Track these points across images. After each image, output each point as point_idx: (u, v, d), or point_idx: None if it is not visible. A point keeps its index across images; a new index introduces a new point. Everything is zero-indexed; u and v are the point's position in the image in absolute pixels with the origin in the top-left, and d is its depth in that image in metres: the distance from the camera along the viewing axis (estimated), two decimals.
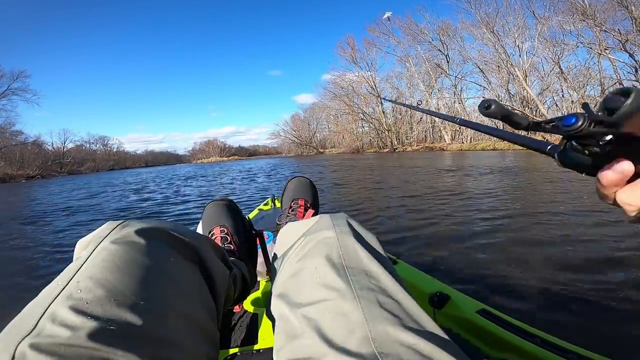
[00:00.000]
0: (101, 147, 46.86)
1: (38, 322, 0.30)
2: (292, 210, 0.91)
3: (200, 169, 19.58)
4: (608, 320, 1.14)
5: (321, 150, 36.31)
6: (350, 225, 0.47)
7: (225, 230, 0.77)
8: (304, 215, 0.87)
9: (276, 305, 0.42)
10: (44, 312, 0.31)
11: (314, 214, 0.88)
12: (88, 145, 44.38)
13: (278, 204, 2.09)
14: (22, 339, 0.28)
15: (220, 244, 0.73)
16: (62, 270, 0.35)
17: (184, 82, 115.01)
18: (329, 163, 13.63)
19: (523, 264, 1.69)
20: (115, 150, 49.62)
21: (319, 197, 1.09)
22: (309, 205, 0.94)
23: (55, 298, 0.32)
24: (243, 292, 0.68)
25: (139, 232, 0.40)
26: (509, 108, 0.25)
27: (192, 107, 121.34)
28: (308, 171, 9.91)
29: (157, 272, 0.38)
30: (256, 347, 0.72)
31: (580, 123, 0.21)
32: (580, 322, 1.14)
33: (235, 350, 0.71)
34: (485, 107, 0.24)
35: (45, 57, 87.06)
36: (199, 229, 0.82)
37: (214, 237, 0.76)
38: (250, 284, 0.72)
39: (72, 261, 0.38)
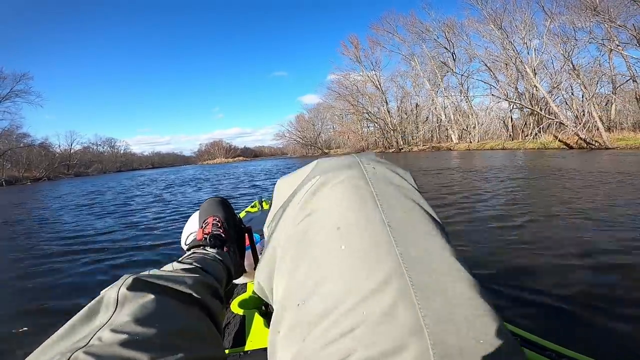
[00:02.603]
0: (108, 148, 47.53)
1: None
2: None
3: (202, 171, 19.41)
4: (595, 321, 1.10)
5: (326, 151, 36.06)
6: (383, 163, 0.34)
7: (218, 219, 0.83)
8: None
9: (282, 260, 0.33)
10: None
11: None
12: (95, 147, 44.91)
13: (266, 206, 2.11)
14: None
15: (212, 229, 0.79)
16: None
17: (190, 83, 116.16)
18: None
19: (521, 265, 1.60)
20: (122, 152, 50.21)
21: None
22: None
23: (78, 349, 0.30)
24: (228, 282, 0.71)
25: (150, 287, 0.43)
26: None
27: (198, 108, 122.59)
28: None
29: (173, 320, 0.41)
30: (245, 348, 0.73)
31: None
32: (570, 325, 1.11)
33: (224, 352, 0.71)
34: None
35: (53, 60, 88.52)
36: (194, 219, 0.89)
37: (207, 225, 0.81)
38: (234, 273, 0.76)
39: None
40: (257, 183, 7.98)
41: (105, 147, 46.71)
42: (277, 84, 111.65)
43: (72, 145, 39.22)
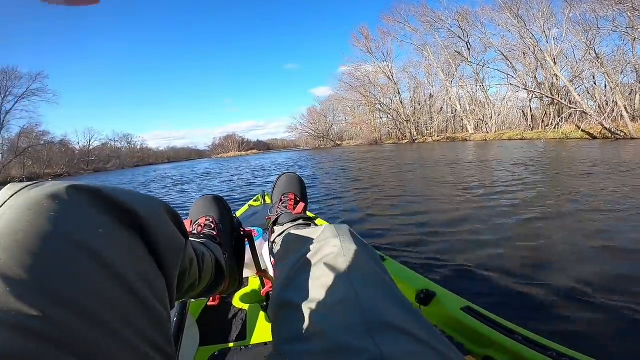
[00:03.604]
0: (126, 144, 48.14)
1: None
2: (282, 203, 0.89)
3: (215, 165, 19.53)
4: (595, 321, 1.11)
5: (338, 143, 35.91)
6: (352, 236, 0.52)
7: (211, 219, 0.75)
8: (294, 208, 0.87)
9: (287, 304, 0.46)
10: None
11: (304, 207, 0.88)
12: (113, 143, 45.65)
13: (268, 200, 2.13)
14: None
15: (204, 230, 0.72)
16: None
17: (204, 78, 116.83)
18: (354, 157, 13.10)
19: (522, 265, 1.56)
20: (139, 147, 50.94)
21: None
22: (298, 199, 0.92)
23: None
24: (217, 279, 0.62)
25: (54, 196, 0.29)
26: None
27: (212, 103, 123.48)
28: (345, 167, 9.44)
29: (75, 245, 0.27)
30: (247, 342, 0.74)
31: None
32: (570, 325, 1.10)
33: (226, 345, 0.73)
34: None
35: (70, 59, 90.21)
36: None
37: (197, 226, 0.74)
38: (226, 272, 0.68)
39: None
40: (274, 179, 7.84)
41: (122, 143, 47.37)
42: (288, 76, 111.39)
43: (91, 142, 40.18)
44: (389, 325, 0.35)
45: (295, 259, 0.52)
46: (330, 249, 0.49)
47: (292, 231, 0.63)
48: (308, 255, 0.50)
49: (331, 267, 0.45)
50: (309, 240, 0.54)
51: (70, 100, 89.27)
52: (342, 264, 0.46)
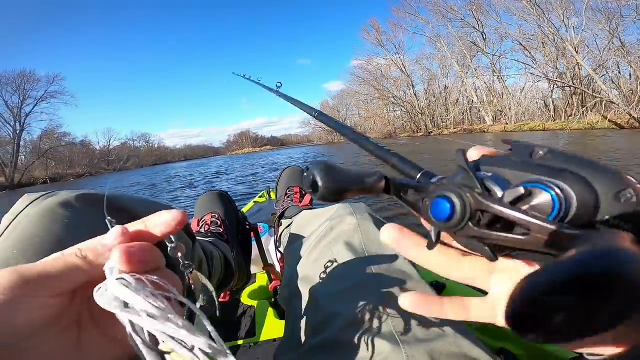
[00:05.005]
0: (144, 143, 49.00)
1: None
2: (287, 197, 0.87)
3: (230, 162, 19.64)
4: None
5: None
6: (370, 214, 0.49)
7: (217, 215, 0.75)
8: (300, 201, 0.84)
9: (300, 289, 0.43)
10: None
11: (311, 199, 0.84)
12: (132, 143, 46.56)
13: (274, 196, 2.09)
14: None
15: (210, 228, 0.71)
16: None
17: (219, 76, 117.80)
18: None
19: None
20: (156, 146, 51.84)
21: None
22: (304, 191, 0.90)
23: None
24: (227, 277, 0.63)
25: (66, 204, 0.31)
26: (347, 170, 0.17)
27: (227, 100, 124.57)
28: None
29: None
30: (256, 339, 0.74)
31: (457, 219, 0.15)
32: None
33: (235, 343, 0.72)
34: (312, 187, 0.16)
35: (89, 63, 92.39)
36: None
37: (204, 223, 0.73)
38: (235, 269, 0.68)
39: None
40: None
41: (141, 143, 48.27)
42: (301, 72, 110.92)
43: (111, 142, 41.12)
44: (410, 314, 0.31)
45: (307, 240, 0.49)
46: (345, 227, 0.46)
47: (304, 212, 0.61)
48: (322, 235, 0.47)
49: (347, 246, 0.42)
50: (322, 219, 0.51)
51: (90, 104, 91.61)
52: (359, 242, 0.43)
